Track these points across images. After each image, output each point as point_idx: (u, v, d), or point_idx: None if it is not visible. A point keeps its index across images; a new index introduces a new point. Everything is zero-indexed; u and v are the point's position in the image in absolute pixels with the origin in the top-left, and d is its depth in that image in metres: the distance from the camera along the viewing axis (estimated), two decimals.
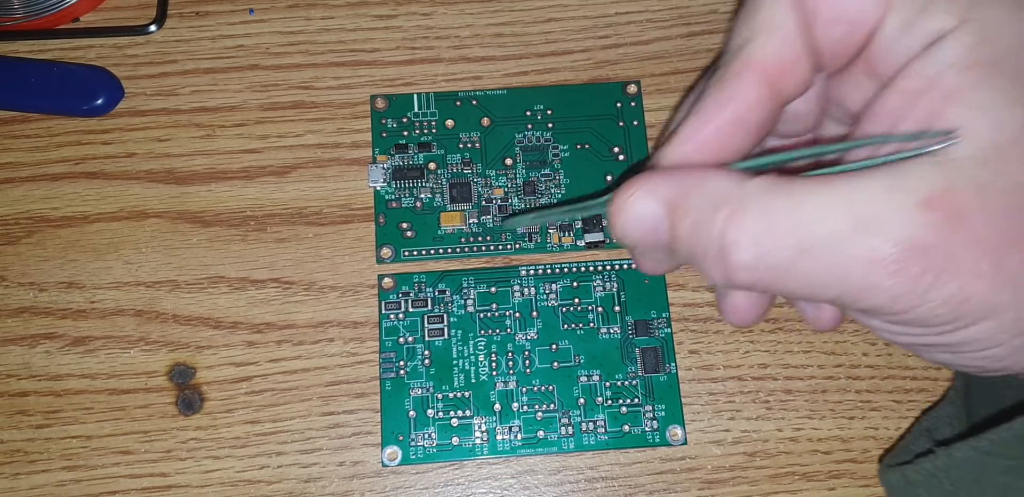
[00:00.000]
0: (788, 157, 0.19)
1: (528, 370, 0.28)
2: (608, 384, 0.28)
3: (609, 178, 0.30)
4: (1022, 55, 0.17)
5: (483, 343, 0.29)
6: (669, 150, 0.20)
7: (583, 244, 0.30)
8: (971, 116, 0.17)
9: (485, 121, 0.31)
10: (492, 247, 0.30)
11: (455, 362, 0.28)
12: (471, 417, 0.28)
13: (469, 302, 0.29)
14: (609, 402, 0.28)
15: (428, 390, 0.28)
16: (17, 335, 0.29)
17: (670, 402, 0.28)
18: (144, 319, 0.29)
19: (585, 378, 0.28)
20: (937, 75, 0.17)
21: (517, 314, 0.29)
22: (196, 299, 0.29)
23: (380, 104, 0.31)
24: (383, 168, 0.30)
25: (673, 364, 0.28)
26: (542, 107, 0.31)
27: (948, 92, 0.17)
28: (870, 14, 0.18)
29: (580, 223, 0.30)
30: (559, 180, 0.30)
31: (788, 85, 0.20)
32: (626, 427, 0.28)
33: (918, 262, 0.17)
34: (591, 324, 0.29)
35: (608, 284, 0.29)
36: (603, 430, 0.28)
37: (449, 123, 0.31)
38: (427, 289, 0.29)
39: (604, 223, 0.29)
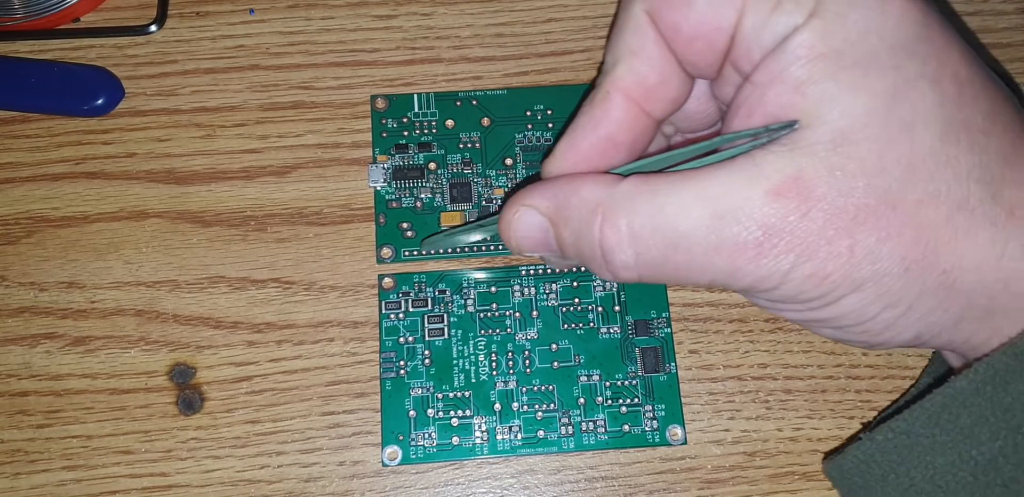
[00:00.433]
0: (665, 157, 0.20)
1: (528, 370, 0.28)
2: (608, 384, 0.28)
3: None
4: (866, 45, 0.18)
5: (483, 343, 0.29)
6: (549, 164, 0.22)
7: None
8: (817, 105, 0.18)
9: (485, 121, 0.31)
10: (492, 247, 0.30)
11: (455, 362, 0.28)
12: (471, 417, 0.28)
13: (469, 302, 0.29)
14: (609, 402, 0.28)
15: (428, 390, 0.28)
16: (17, 335, 0.29)
17: (670, 402, 0.28)
18: (144, 319, 0.29)
19: (585, 378, 0.28)
20: (785, 68, 0.18)
21: (517, 314, 0.29)
22: (196, 299, 0.29)
23: (380, 104, 0.31)
24: (383, 168, 0.30)
25: (673, 364, 0.28)
26: (542, 107, 0.31)
27: (796, 84, 0.18)
28: (726, 21, 0.19)
29: None
30: None
31: (656, 104, 0.21)
32: (626, 427, 0.28)
33: (775, 245, 0.18)
34: (591, 324, 0.29)
35: (608, 284, 0.29)
36: (603, 430, 0.28)
37: (449, 123, 0.31)
38: (427, 289, 0.29)
39: None
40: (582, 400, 0.28)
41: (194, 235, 0.30)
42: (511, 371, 0.28)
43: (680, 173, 0.19)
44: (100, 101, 0.31)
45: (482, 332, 0.29)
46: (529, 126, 0.31)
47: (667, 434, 0.28)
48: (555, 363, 0.28)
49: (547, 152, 0.23)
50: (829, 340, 0.29)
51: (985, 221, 0.19)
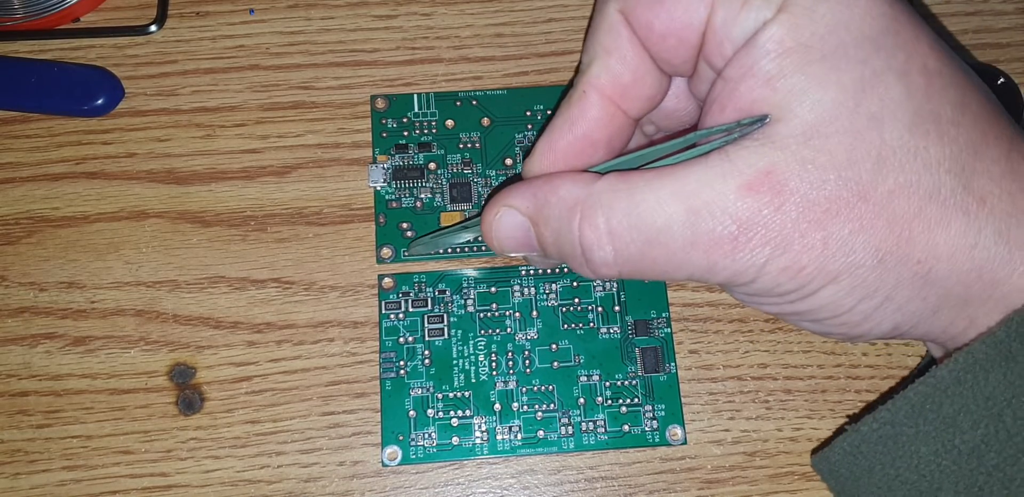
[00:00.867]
0: (642, 154, 0.20)
1: (528, 370, 0.28)
2: (608, 384, 0.28)
3: None
4: (835, 39, 0.18)
5: (483, 343, 0.29)
6: (529, 163, 0.23)
7: None
8: (787, 99, 0.18)
9: (485, 121, 0.31)
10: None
11: (455, 362, 0.28)
12: (471, 417, 0.28)
13: (469, 302, 0.29)
14: (609, 402, 0.28)
15: (428, 390, 0.28)
16: (17, 335, 0.29)
17: (670, 402, 0.28)
18: (144, 319, 0.29)
19: (585, 378, 0.28)
20: (755, 63, 0.18)
21: (517, 314, 0.29)
22: (196, 299, 0.29)
23: (380, 104, 0.31)
24: (383, 168, 0.30)
25: (673, 364, 0.28)
26: (542, 107, 0.31)
27: (766, 78, 0.18)
28: (697, 17, 0.20)
29: None
30: None
31: (632, 102, 0.22)
32: (626, 427, 0.28)
33: (750, 240, 0.18)
34: (591, 324, 0.29)
35: (608, 284, 0.29)
36: (603, 430, 0.28)
37: (449, 123, 0.31)
38: (427, 289, 0.29)
39: None
40: (582, 400, 0.28)
41: (194, 235, 0.30)
42: (511, 371, 0.28)
43: (656, 170, 0.19)
44: (100, 101, 0.31)
45: (482, 332, 0.29)
46: (529, 126, 0.31)
47: (667, 434, 0.28)
48: (555, 363, 0.28)
49: (527, 152, 0.23)
50: (829, 340, 0.29)
51: (957, 211, 0.19)
